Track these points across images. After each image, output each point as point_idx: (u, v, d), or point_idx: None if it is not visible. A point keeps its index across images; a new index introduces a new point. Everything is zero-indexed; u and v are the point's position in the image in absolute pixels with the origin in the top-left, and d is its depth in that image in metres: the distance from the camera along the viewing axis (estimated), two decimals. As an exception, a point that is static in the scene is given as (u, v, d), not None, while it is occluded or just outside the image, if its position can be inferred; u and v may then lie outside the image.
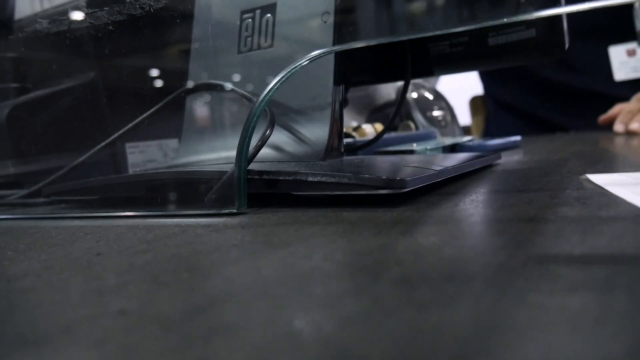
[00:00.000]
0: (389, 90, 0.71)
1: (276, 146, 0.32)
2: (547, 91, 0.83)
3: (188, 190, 0.29)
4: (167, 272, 0.16)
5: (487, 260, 0.14)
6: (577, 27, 0.32)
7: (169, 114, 0.39)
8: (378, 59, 0.40)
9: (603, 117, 0.71)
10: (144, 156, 0.43)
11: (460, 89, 1.09)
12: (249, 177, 0.26)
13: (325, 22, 0.32)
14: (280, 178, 0.26)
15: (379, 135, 0.42)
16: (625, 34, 0.73)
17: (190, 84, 0.38)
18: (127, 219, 0.28)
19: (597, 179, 0.27)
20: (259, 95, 0.26)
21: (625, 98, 0.74)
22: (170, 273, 0.16)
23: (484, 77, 1.01)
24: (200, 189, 0.27)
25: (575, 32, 0.32)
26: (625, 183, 0.24)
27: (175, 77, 0.40)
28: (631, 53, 0.75)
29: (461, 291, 0.12)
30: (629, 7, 0.62)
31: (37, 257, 0.20)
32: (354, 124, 0.54)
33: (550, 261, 0.14)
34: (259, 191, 0.27)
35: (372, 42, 0.28)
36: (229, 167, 0.26)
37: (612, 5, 0.20)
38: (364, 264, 0.15)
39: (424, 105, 0.66)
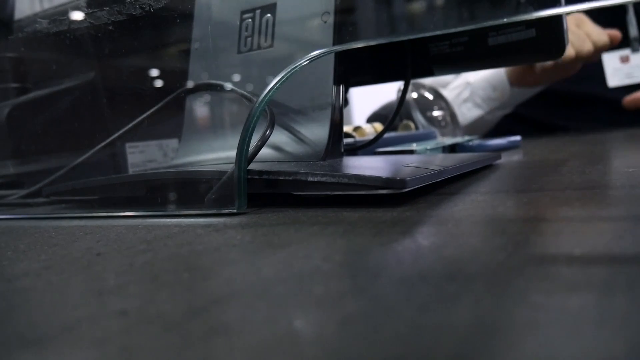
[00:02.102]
0: None
1: (276, 146, 0.32)
2: (541, 97, 0.83)
3: (188, 190, 0.29)
4: (167, 272, 0.16)
5: (487, 260, 0.14)
6: None
7: (169, 114, 0.39)
8: (378, 59, 0.40)
9: (628, 98, 0.71)
10: (144, 156, 0.43)
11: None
12: (249, 177, 0.26)
13: (325, 22, 0.32)
14: (280, 178, 0.26)
15: (379, 135, 0.42)
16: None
17: (190, 84, 0.38)
18: (127, 219, 0.28)
19: None
20: (259, 95, 0.26)
21: (621, 101, 0.74)
22: (170, 273, 0.16)
23: None
24: (200, 189, 0.27)
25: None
26: None
27: (175, 77, 0.40)
28: (624, 60, 0.75)
29: (461, 291, 0.12)
30: (622, 14, 0.62)
31: (37, 257, 0.20)
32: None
33: (550, 261, 0.14)
34: (259, 191, 0.27)
35: (372, 42, 0.28)
36: (229, 167, 0.26)
37: (611, 5, 0.20)
38: (364, 264, 0.15)
39: (424, 105, 0.66)
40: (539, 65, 0.68)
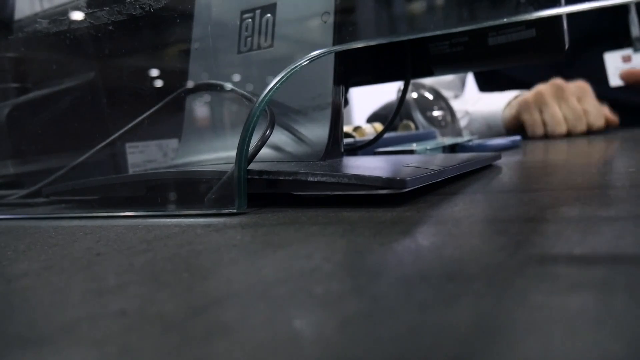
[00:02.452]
0: None
1: (276, 146, 0.32)
2: None
3: (188, 190, 0.29)
4: (167, 272, 0.16)
5: (487, 260, 0.14)
6: (572, 35, 0.32)
7: (169, 114, 0.39)
8: (378, 59, 0.40)
9: (625, 71, 0.71)
10: (144, 156, 0.43)
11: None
12: (249, 177, 0.26)
13: (325, 22, 0.32)
14: (280, 178, 0.26)
15: (379, 135, 0.42)
16: (620, 41, 0.73)
17: (190, 84, 0.38)
18: (127, 219, 0.28)
19: None
20: (259, 95, 0.26)
21: (623, 101, 0.74)
22: (170, 273, 0.16)
23: (480, 83, 1.02)
24: (200, 189, 0.27)
25: (570, 40, 0.32)
26: None
27: (175, 77, 0.40)
28: (626, 59, 0.75)
29: (461, 291, 0.12)
30: (624, 14, 0.62)
31: (37, 257, 0.20)
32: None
33: (550, 261, 0.14)
34: (259, 191, 0.27)
35: (372, 42, 0.28)
36: (229, 167, 0.26)
37: (611, 5, 0.20)
38: (364, 264, 0.15)
39: (424, 105, 0.66)
40: (530, 130, 0.70)
